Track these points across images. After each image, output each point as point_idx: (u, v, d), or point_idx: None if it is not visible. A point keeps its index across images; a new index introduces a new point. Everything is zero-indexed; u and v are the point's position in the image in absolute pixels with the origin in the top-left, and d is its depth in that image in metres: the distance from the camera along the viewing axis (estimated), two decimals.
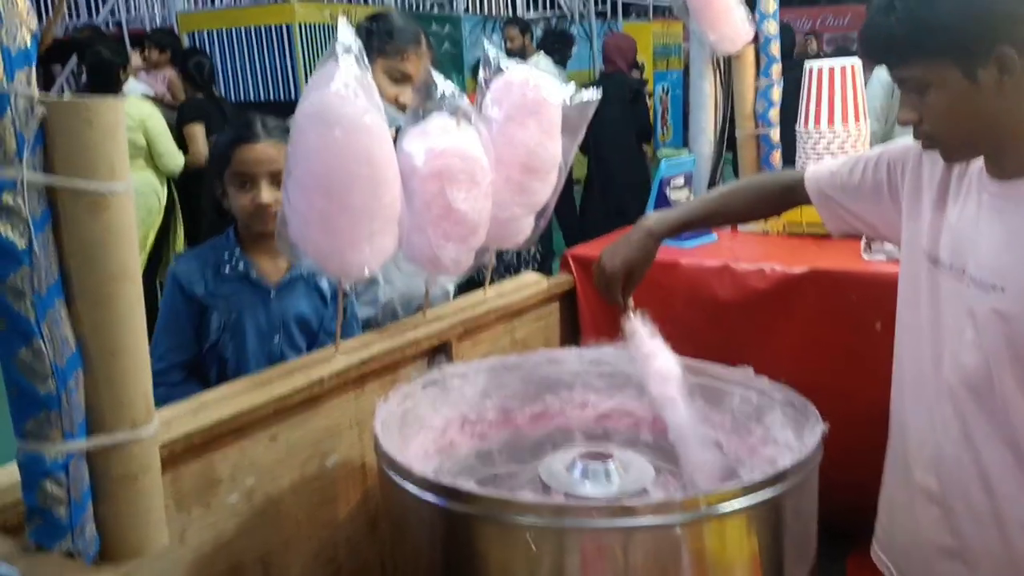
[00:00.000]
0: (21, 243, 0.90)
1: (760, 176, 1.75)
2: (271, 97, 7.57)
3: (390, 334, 1.68)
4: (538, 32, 7.85)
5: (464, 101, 1.57)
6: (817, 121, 2.63)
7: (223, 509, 1.39)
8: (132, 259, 0.97)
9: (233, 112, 5.06)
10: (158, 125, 4.71)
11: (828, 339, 1.93)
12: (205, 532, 1.37)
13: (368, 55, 2.00)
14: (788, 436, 1.44)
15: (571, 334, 2.20)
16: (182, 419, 1.28)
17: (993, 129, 1.19)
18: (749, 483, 1.16)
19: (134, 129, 4.60)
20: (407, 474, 1.20)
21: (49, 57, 4.79)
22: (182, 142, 4.90)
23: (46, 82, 4.82)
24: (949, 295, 1.30)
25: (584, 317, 2.19)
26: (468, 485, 1.17)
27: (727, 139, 3.18)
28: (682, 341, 2.07)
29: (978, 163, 1.27)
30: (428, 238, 1.58)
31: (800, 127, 2.70)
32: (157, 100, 5.42)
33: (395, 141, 1.50)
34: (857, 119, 2.62)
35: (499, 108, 1.71)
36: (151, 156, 4.73)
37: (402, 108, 2.02)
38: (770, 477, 1.18)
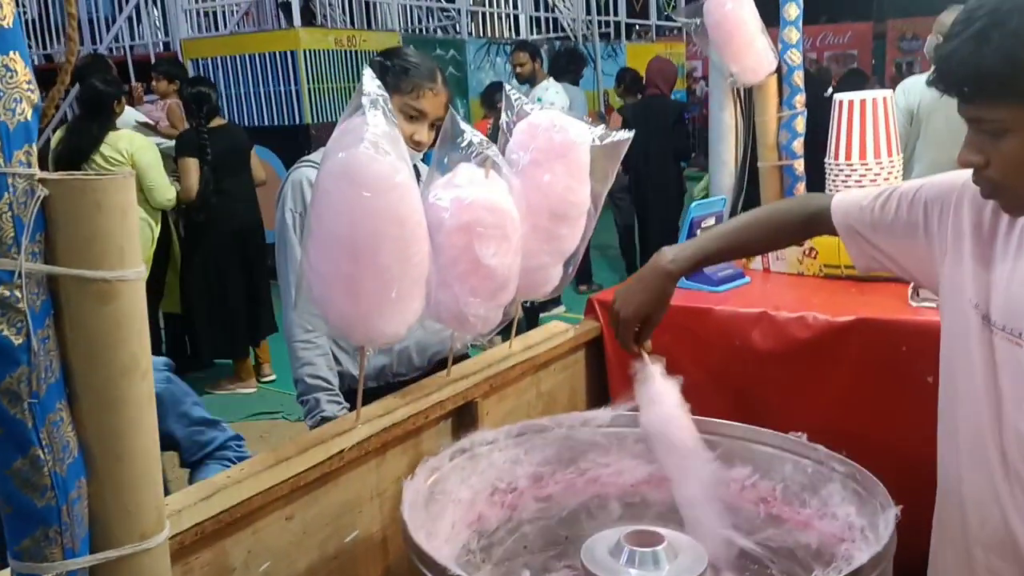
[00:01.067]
0: (18, 340, 0.79)
1: (783, 204, 1.61)
2: (276, 122, 7.51)
3: (413, 396, 1.57)
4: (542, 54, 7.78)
5: (493, 150, 1.47)
6: (848, 154, 2.53)
7: None
8: (143, 351, 0.87)
9: (229, 141, 4.95)
10: (148, 158, 4.62)
11: (876, 393, 1.82)
12: None
13: None
14: (850, 512, 1.33)
15: (598, 383, 2.09)
16: (192, 508, 1.17)
17: None
18: None
19: (123, 163, 4.53)
20: (444, 574, 1.09)
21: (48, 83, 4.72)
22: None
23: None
24: (1006, 360, 1.19)
25: (611, 365, 2.08)
26: None
27: (747, 172, 3.08)
28: (716, 393, 1.98)
29: None
30: (455, 294, 1.47)
31: (830, 160, 2.60)
32: (151, 127, 5.34)
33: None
34: (890, 152, 2.52)
35: (524, 153, 1.61)
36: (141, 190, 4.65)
37: (416, 146, 1.93)
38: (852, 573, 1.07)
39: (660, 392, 1.41)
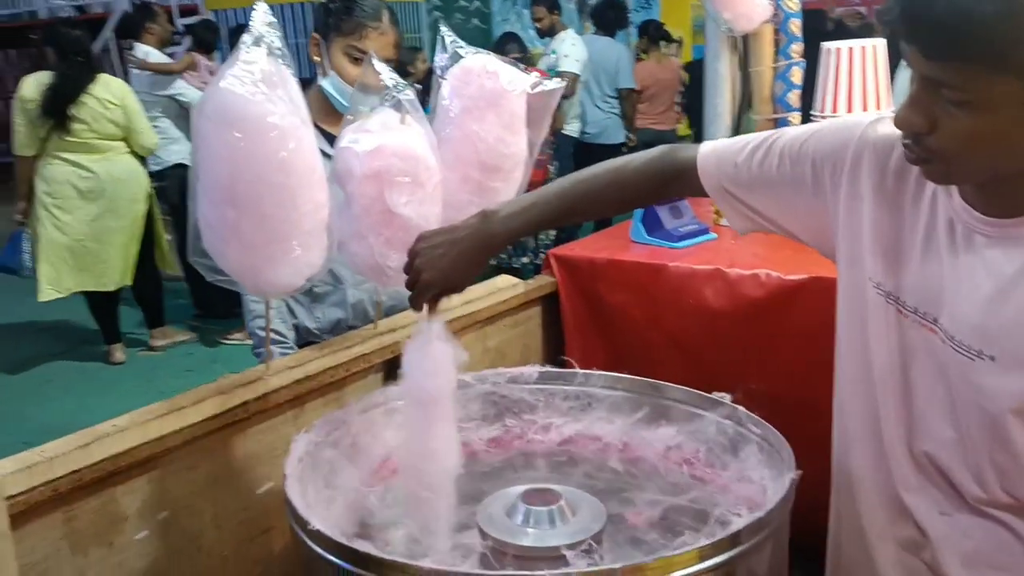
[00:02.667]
0: None
1: (636, 157, 1.28)
2: (300, 75, 7.46)
3: (331, 349, 1.53)
4: (570, 7, 7.61)
5: (407, 95, 1.41)
6: (835, 107, 2.41)
7: (130, 547, 1.27)
8: None
9: None
10: (136, 104, 4.61)
11: (828, 352, 1.74)
12: (109, 574, 1.24)
13: (325, 36, 1.86)
14: (764, 475, 1.27)
15: (554, 341, 2.04)
16: (66, 456, 1.15)
17: (1021, 158, 0.91)
18: (708, 544, 1.00)
19: (114, 108, 4.52)
20: (306, 528, 1.06)
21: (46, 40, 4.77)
22: None
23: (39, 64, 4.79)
24: (917, 347, 1.04)
25: (568, 322, 2.03)
26: (366, 547, 1.02)
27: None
28: (671, 353, 1.92)
29: (950, 192, 1.01)
30: (369, 246, 1.42)
31: (816, 112, 2.48)
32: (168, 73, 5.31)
33: None
34: (878, 105, 2.39)
35: (456, 99, 1.54)
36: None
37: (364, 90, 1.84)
38: (725, 538, 1.02)
39: (440, 360, 1.21)
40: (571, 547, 1.15)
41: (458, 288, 1.25)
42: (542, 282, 2.00)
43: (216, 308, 5.46)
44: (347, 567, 1.00)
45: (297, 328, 1.92)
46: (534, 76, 1.56)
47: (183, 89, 5.19)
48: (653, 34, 6.93)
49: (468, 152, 1.54)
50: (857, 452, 1.15)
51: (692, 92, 7.32)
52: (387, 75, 1.43)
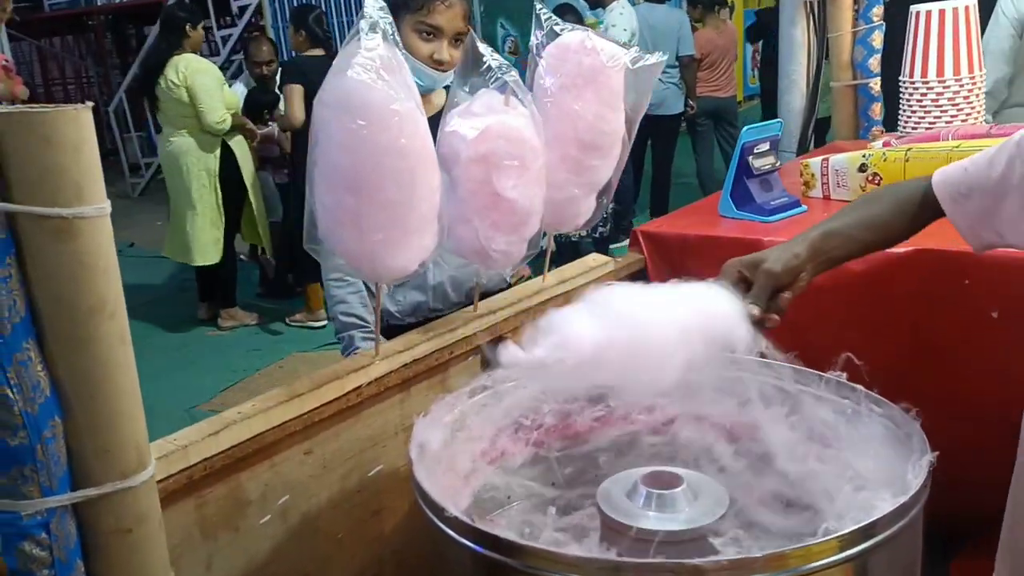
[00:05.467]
0: None
1: (891, 187, 1.33)
2: None
3: (436, 332, 1.54)
4: None
5: (513, 74, 1.39)
6: (924, 71, 2.34)
7: (254, 532, 1.29)
8: (112, 291, 0.85)
9: None
10: (202, 81, 4.71)
11: (936, 328, 1.70)
12: (235, 558, 1.27)
13: (395, 14, 1.84)
14: (888, 455, 1.25)
15: None
16: (199, 444, 1.17)
17: None
18: (843, 534, 0.98)
19: (180, 86, 4.66)
20: (441, 514, 1.06)
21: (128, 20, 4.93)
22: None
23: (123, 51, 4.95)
24: None
25: None
26: (507, 534, 1.03)
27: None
28: (770, 330, 1.88)
29: None
30: (475, 229, 1.42)
31: (904, 77, 2.41)
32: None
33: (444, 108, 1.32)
34: (971, 68, 2.32)
35: (553, 78, 1.52)
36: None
37: (438, 66, 1.81)
38: (867, 525, 1.00)
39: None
40: (695, 531, 1.14)
41: (765, 260, 1.23)
42: (631, 259, 1.98)
43: (278, 290, 5.54)
44: (489, 554, 1.00)
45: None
46: (634, 51, 1.53)
47: None
48: (707, 1, 6.79)
49: (567, 130, 1.52)
50: None
51: (764, 55, 7.19)
52: (490, 56, 1.41)
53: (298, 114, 4.63)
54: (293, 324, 5.18)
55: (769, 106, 6.65)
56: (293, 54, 5.05)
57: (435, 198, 1.28)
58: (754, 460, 1.40)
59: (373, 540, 1.47)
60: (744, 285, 1.23)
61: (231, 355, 4.92)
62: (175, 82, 4.67)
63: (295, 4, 7.65)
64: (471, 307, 1.68)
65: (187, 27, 4.82)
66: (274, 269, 5.64)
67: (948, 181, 1.20)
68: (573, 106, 1.51)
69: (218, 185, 4.90)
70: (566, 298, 1.77)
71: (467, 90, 1.43)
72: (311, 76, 4.66)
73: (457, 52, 1.85)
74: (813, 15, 2.94)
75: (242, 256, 5.61)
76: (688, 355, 1.10)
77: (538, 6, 1.59)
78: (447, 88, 1.88)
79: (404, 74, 1.19)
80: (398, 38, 1.22)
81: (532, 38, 1.56)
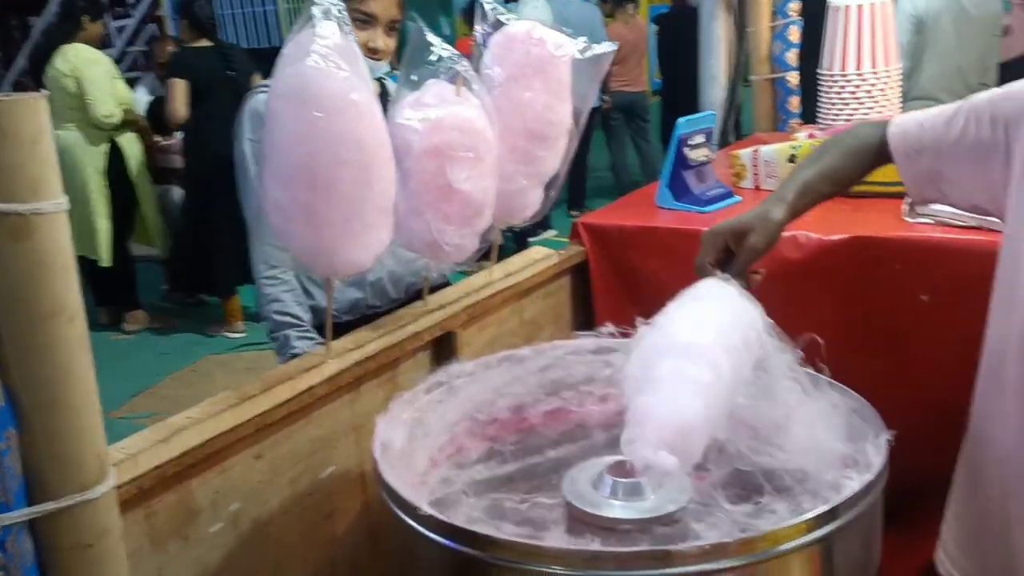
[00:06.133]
0: None
1: (850, 134, 1.36)
2: (251, 44, 7.27)
3: (387, 329, 1.50)
4: None
5: (464, 64, 1.37)
6: (844, 64, 2.41)
7: (205, 541, 1.24)
8: (70, 292, 0.79)
9: (241, 57, 4.78)
10: (92, 72, 4.47)
11: (870, 313, 1.76)
12: (186, 568, 1.21)
13: None
14: (836, 437, 1.28)
15: (583, 310, 2.02)
16: (149, 451, 1.11)
17: None
18: (816, 515, 1.01)
19: (68, 76, 4.42)
20: (414, 513, 1.04)
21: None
22: None
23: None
24: None
25: (597, 291, 2.01)
26: (486, 529, 1.01)
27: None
28: None
29: None
30: (427, 222, 1.39)
31: (823, 70, 2.49)
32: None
33: (382, 99, 1.29)
34: (887, 61, 2.41)
35: (500, 68, 1.51)
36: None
37: (373, 55, 1.74)
38: (838, 505, 1.03)
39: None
40: (662, 519, 1.15)
41: (748, 239, 1.27)
42: (572, 252, 1.98)
43: (186, 286, 5.34)
44: (466, 551, 0.99)
45: (314, 310, 1.88)
46: (581, 41, 1.53)
47: None
48: None
49: (516, 121, 1.51)
50: (999, 410, 1.18)
51: (663, 49, 7.37)
52: (439, 46, 1.38)
53: (180, 109, 4.46)
54: (211, 334, 4.99)
55: (668, 97, 6.84)
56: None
57: (391, 191, 1.25)
58: (711, 445, 1.42)
59: (326, 543, 1.43)
60: (727, 254, 1.28)
61: (139, 360, 4.72)
62: (62, 71, 4.41)
63: None
64: (415, 303, 1.65)
65: (85, 19, 4.57)
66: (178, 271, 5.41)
67: (904, 136, 1.26)
68: (521, 96, 1.50)
69: (106, 183, 4.66)
70: (513, 291, 1.76)
71: (415, 79, 1.40)
72: (197, 70, 4.52)
73: (391, 41, 1.81)
74: (731, 10, 3.00)
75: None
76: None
77: None
78: (380, 80, 1.84)
79: (360, 63, 1.16)
80: (350, 26, 1.18)
81: (476, 28, 1.54)
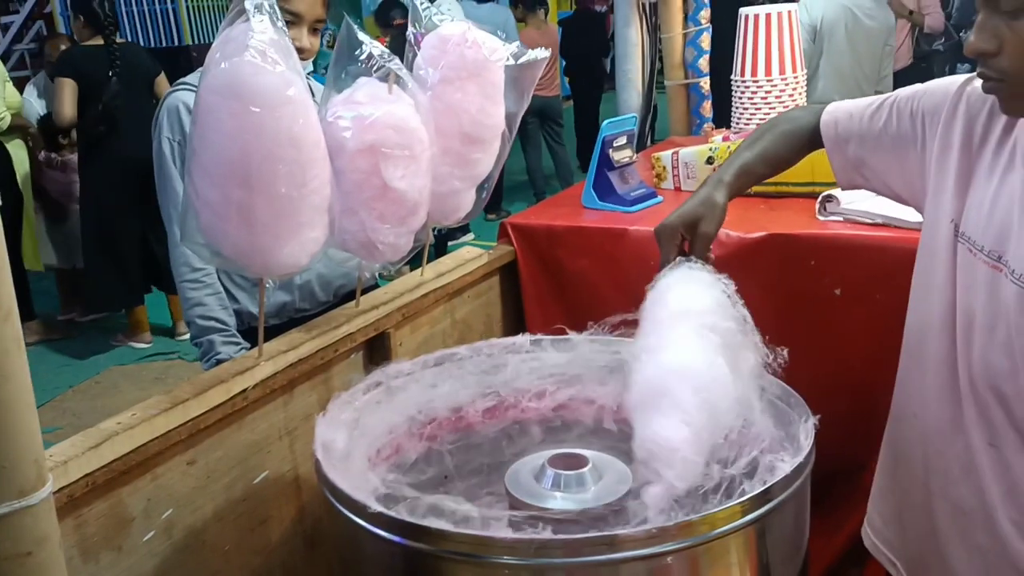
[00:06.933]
0: None
1: (785, 119, 1.44)
2: (152, 44, 7.04)
3: (320, 330, 1.48)
4: None
5: (396, 63, 1.37)
6: (755, 70, 2.51)
7: (138, 550, 1.20)
8: (5, 289, 0.76)
9: (138, 55, 4.60)
10: None
11: (786, 307, 1.83)
12: None
13: None
14: (768, 423, 1.33)
15: (514, 310, 2.04)
16: (80, 458, 1.07)
17: None
18: (751, 497, 1.04)
19: None
20: (361, 511, 1.03)
21: None
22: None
23: None
24: (982, 282, 1.12)
25: (526, 290, 2.03)
26: (438, 523, 1.01)
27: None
28: (635, 313, 1.96)
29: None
30: (361, 221, 1.38)
31: (735, 76, 2.58)
32: None
33: None
34: (795, 68, 2.51)
35: (433, 69, 1.51)
36: None
37: (299, 54, 1.74)
38: (772, 487, 1.07)
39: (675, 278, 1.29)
40: (603, 508, 1.18)
41: (700, 226, 1.32)
42: (502, 251, 2.00)
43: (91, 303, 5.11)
44: (419, 546, 0.99)
45: (239, 314, 1.84)
46: (515, 46, 1.55)
47: None
48: (528, 1, 6.96)
49: (450, 123, 1.51)
50: (919, 388, 1.24)
51: (570, 51, 7.50)
52: (370, 43, 1.38)
53: (67, 110, 4.27)
54: (115, 344, 4.79)
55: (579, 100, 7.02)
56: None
57: (326, 190, 1.23)
58: None
59: (261, 550, 1.40)
60: (682, 245, 1.34)
61: (38, 372, 4.44)
62: None
63: None
64: (346, 305, 1.64)
65: None
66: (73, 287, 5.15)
67: (835, 124, 1.33)
68: (455, 98, 1.50)
69: None
70: (444, 291, 1.77)
71: (344, 78, 1.39)
72: (86, 70, 4.31)
73: (316, 40, 1.80)
74: (645, 17, 3.07)
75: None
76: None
77: None
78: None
79: (294, 59, 1.14)
80: (283, 22, 1.17)
81: (409, 28, 1.54)
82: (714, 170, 2.17)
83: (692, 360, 1.14)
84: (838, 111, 1.34)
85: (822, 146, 1.37)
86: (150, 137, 1.80)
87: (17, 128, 4.58)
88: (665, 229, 1.34)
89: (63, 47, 4.85)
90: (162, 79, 4.50)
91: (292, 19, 1.71)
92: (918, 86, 1.27)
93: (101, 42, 4.35)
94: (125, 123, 4.28)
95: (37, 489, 0.81)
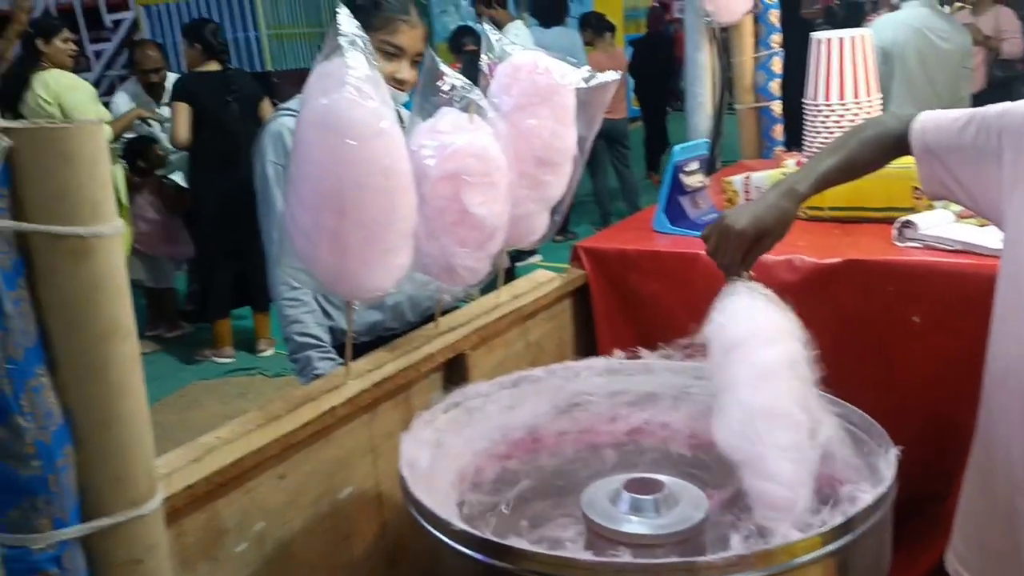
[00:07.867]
0: None
1: (879, 119, 1.44)
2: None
3: (402, 351, 1.53)
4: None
5: (476, 93, 1.42)
6: (828, 94, 2.50)
7: (232, 561, 1.25)
8: (125, 313, 0.82)
9: (247, 81, 4.80)
10: (74, 98, 4.41)
11: (863, 335, 1.81)
12: None
13: None
14: (846, 453, 1.33)
15: (585, 332, 2.07)
16: (183, 470, 1.13)
17: None
18: (831, 528, 1.04)
19: (51, 103, 4.36)
20: (446, 528, 1.07)
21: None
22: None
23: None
24: None
25: (598, 313, 2.06)
26: (519, 543, 1.04)
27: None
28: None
29: None
30: (442, 246, 1.42)
31: (807, 99, 2.57)
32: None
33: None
34: (868, 91, 2.50)
35: (507, 97, 1.56)
36: None
37: (399, 86, 1.82)
38: (853, 517, 1.07)
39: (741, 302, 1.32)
40: (680, 534, 1.18)
41: (766, 238, 1.32)
42: (573, 275, 2.03)
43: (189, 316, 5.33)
44: (501, 565, 1.01)
45: (333, 331, 1.90)
46: (586, 70, 1.59)
47: None
48: (596, 25, 7.01)
49: (524, 148, 1.55)
50: (1005, 412, 1.24)
51: (640, 71, 7.51)
52: (451, 75, 1.43)
53: (182, 134, 4.46)
54: (199, 359, 4.96)
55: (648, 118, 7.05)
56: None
57: (413, 217, 1.28)
58: (719, 463, 1.46)
59: (345, 565, 1.45)
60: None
61: None
62: (45, 99, 4.35)
63: (180, 19, 7.42)
64: (427, 326, 1.68)
65: (39, 42, 4.49)
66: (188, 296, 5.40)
67: (923, 134, 1.33)
68: (528, 123, 1.54)
69: None
70: (519, 313, 1.80)
71: (428, 108, 1.44)
72: (202, 95, 4.51)
73: (416, 72, 1.87)
74: (716, 41, 3.09)
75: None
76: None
77: (486, 27, 1.63)
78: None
79: (385, 92, 1.20)
80: (374, 57, 1.22)
81: (483, 57, 1.59)
82: None
83: (789, 402, 1.18)
84: (927, 120, 1.34)
85: (909, 153, 1.37)
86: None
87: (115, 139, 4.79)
88: (735, 237, 1.31)
89: (150, 52, 5.08)
90: (266, 103, 4.68)
91: (395, 52, 1.79)
92: (1004, 104, 1.27)
93: (211, 68, 4.53)
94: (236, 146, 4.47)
95: (148, 499, 0.87)
